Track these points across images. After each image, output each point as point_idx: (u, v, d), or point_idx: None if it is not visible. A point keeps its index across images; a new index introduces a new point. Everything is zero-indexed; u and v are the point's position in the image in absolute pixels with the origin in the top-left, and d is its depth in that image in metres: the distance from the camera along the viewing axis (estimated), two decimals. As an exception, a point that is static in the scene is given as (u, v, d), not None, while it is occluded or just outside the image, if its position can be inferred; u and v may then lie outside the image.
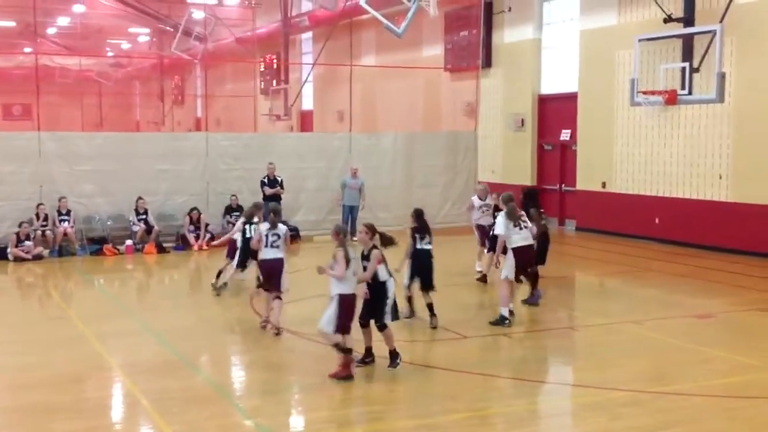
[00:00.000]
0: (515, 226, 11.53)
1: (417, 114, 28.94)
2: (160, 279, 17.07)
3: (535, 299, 12.73)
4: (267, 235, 11.03)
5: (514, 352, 10.72)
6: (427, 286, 11.46)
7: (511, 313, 11.48)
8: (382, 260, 9.36)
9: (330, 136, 23.30)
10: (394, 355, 9.45)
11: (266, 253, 11.07)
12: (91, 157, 18.83)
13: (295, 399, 8.87)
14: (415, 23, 19.56)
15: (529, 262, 11.75)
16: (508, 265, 11.53)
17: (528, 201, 13.23)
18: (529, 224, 11.80)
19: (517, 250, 11.50)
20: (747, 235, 17.48)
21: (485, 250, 14.68)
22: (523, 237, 11.58)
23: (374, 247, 9.37)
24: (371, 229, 9.43)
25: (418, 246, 11.41)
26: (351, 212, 20.16)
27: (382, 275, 9.39)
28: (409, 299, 11.72)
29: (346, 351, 9.02)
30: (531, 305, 12.66)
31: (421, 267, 11.43)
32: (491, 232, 12.99)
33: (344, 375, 8.97)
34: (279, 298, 11.01)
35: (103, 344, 10.70)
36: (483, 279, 14.73)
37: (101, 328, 11.62)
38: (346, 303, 9.02)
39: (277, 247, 11.06)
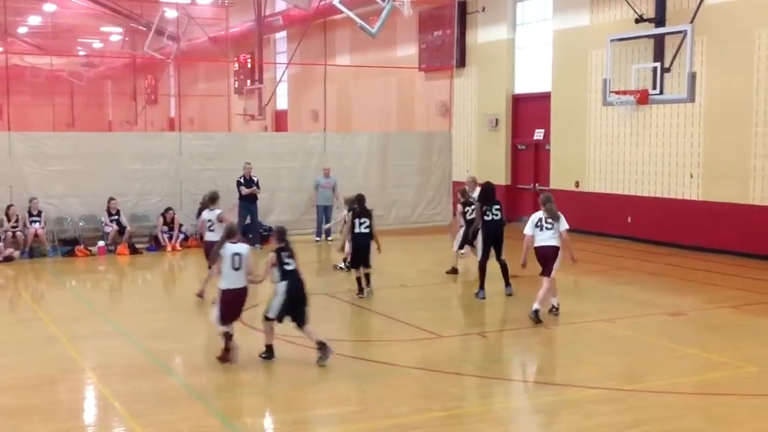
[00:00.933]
0: (540, 226, 11.77)
1: (391, 114, 28.96)
2: (132, 280, 16.93)
3: (477, 295, 13.13)
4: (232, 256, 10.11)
5: (488, 351, 10.75)
6: (365, 265, 13.36)
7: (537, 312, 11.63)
8: (276, 264, 9.65)
9: (304, 135, 23.25)
10: (270, 349, 9.80)
11: (209, 236, 12.71)
12: (62, 158, 18.64)
13: (269, 400, 8.82)
14: (390, 23, 19.56)
15: (548, 261, 11.82)
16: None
17: (482, 195, 13.36)
18: (562, 227, 11.87)
19: (537, 249, 11.76)
20: (718, 234, 17.67)
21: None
22: (546, 237, 11.76)
23: (275, 250, 9.74)
24: (276, 234, 9.92)
25: (357, 230, 13.24)
26: (325, 212, 20.13)
27: (274, 278, 9.74)
28: (359, 280, 13.35)
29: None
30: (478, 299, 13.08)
31: (360, 249, 13.28)
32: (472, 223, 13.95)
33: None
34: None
35: (74, 346, 10.60)
36: (454, 271, 15.31)
37: (73, 329, 11.50)
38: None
39: (213, 230, 12.66)
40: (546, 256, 11.78)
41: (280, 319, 9.73)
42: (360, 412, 8.12)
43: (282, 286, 9.66)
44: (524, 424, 8.23)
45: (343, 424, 7.95)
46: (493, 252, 13.27)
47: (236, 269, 9.62)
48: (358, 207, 13.47)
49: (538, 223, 11.83)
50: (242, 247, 9.77)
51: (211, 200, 13.21)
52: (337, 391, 8.83)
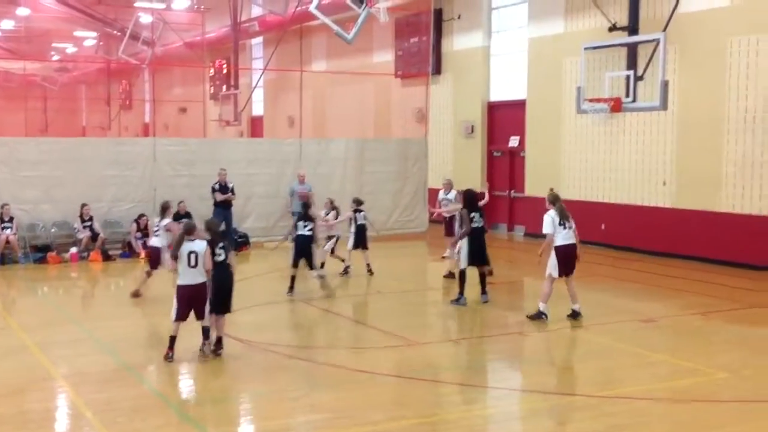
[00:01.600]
0: (560, 225, 11.86)
1: (368, 120, 28.99)
2: (105, 287, 16.79)
3: (458, 302, 13.07)
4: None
5: (462, 358, 10.77)
6: (311, 266, 13.89)
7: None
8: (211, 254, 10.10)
9: (280, 142, 23.19)
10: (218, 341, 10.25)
11: (153, 242, 13.84)
12: (34, 163, 18.44)
13: (243, 407, 8.80)
14: (366, 29, 19.60)
15: (571, 260, 11.99)
16: (551, 264, 11.88)
17: (467, 202, 13.39)
18: (573, 224, 12.10)
19: (558, 249, 11.79)
20: (690, 241, 17.85)
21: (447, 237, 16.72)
22: (565, 236, 11.88)
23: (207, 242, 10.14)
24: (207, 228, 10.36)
25: (300, 231, 13.77)
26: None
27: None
28: (293, 278, 13.89)
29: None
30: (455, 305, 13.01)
31: (303, 250, 13.79)
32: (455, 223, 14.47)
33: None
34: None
35: (46, 354, 10.48)
36: (450, 276, 15.24)
37: (44, 337, 11.38)
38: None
39: (158, 236, 13.63)
40: (570, 255, 11.94)
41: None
42: (335, 419, 8.10)
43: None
44: (499, 431, 8.25)
45: (319, 431, 7.94)
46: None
47: (192, 266, 9.89)
48: (303, 212, 14.22)
49: (561, 222, 11.90)
50: (199, 245, 9.96)
51: (162, 210, 13.93)
52: (312, 398, 8.80)
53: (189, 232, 10.04)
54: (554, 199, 12.10)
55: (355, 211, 16.19)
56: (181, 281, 10.00)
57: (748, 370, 9.83)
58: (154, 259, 13.84)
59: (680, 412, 8.39)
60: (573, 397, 8.81)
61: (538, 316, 11.96)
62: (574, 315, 12.09)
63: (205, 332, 10.13)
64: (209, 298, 10.05)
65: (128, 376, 9.61)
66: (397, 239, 21.67)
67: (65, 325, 12.42)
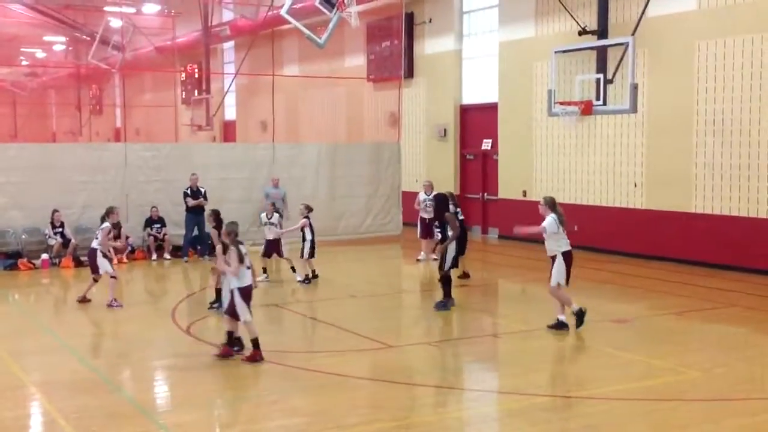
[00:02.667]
0: (562, 230, 11.71)
1: (340, 124, 28.99)
2: (77, 293, 16.52)
3: (447, 305, 12.95)
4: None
5: (437, 361, 10.79)
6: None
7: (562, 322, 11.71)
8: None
9: (253, 146, 23.13)
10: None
11: (93, 243, 13.92)
12: (4, 169, 18.23)
13: (217, 414, 8.75)
14: (337, 34, 19.61)
15: (570, 265, 11.86)
16: (559, 271, 11.69)
17: (441, 205, 13.37)
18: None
19: (566, 255, 11.69)
20: (662, 241, 18.04)
21: (424, 240, 17.66)
22: (568, 242, 11.79)
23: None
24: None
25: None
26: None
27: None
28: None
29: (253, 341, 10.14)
30: (441, 310, 12.89)
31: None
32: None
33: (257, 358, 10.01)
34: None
35: (17, 362, 10.35)
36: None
37: (16, 345, 11.25)
38: (244, 294, 10.12)
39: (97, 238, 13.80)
40: (571, 262, 11.87)
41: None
42: (310, 423, 8.08)
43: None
44: (474, 432, 8.28)
45: (294, 436, 7.92)
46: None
47: (248, 267, 10.25)
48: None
49: (563, 227, 11.75)
50: (244, 247, 10.32)
51: (106, 214, 14.07)
52: (287, 403, 8.78)
53: (237, 234, 10.31)
54: (553, 204, 11.92)
55: (307, 217, 15.88)
56: (242, 283, 10.12)
57: (720, 368, 9.94)
58: (92, 263, 13.86)
59: (653, 411, 8.46)
60: (546, 397, 8.86)
61: (561, 326, 11.65)
62: (581, 315, 11.82)
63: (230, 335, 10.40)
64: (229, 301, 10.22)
65: (102, 384, 9.53)
66: (371, 242, 21.69)
67: (37, 333, 12.28)
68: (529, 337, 11.66)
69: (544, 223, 11.63)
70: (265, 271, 15.70)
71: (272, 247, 15.77)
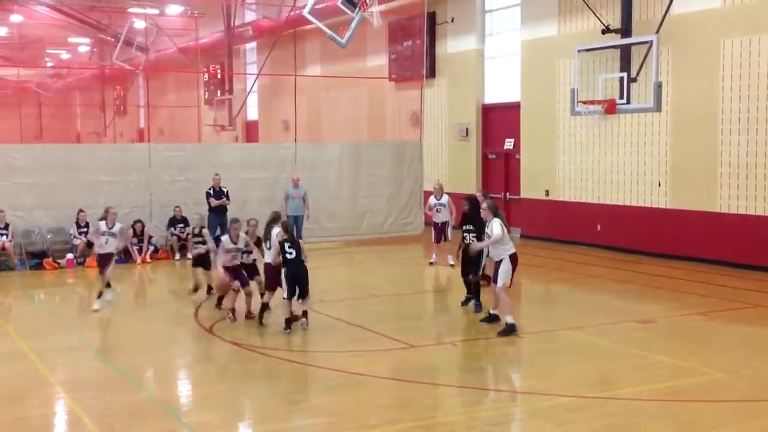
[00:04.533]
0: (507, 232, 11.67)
1: (362, 124, 29.01)
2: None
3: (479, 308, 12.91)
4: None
5: (460, 361, 10.76)
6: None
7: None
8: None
9: (275, 146, 23.20)
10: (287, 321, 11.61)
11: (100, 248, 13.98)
12: (30, 170, 18.44)
13: (241, 413, 8.77)
14: (359, 33, 19.58)
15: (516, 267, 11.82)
16: (506, 272, 11.60)
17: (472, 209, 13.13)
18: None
19: (512, 257, 11.62)
20: (686, 241, 17.89)
21: (437, 244, 17.44)
22: (512, 244, 11.75)
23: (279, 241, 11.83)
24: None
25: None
26: (296, 222, 20.08)
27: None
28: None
29: None
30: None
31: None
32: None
33: None
34: None
35: (43, 360, 10.46)
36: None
37: (41, 343, 11.35)
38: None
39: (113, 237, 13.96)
40: (517, 263, 11.85)
41: (289, 296, 11.60)
42: (333, 423, 8.09)
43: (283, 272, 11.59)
44: (497, 433, 8.25)
45: (316, 435, 7.93)
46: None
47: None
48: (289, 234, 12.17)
49: (508, 230, 11.72)
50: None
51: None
52: (311, 402, 8.80)
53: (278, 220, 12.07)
54: (496, 209, 11.75)
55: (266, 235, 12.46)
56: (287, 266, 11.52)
57: (746, 369, 9.85)
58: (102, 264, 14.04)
59: (678, 412, 8.40)
60: (570, 398, 8.81)
61: (512, 330, 11.52)
62: (492, 318, 11.87)
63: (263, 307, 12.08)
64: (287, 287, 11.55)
65: (125, 382, 9.60)
66: (393, 242, 21.68)
67: (61, 332, 12.40)
68: (553, 338, 11.61)
69: (496, 232, 11.44)
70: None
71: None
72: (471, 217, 12.84)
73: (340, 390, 9.16)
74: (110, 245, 13.94)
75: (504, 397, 9.30)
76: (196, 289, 14.34)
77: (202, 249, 14.21)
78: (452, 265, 16.18)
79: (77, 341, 11.70)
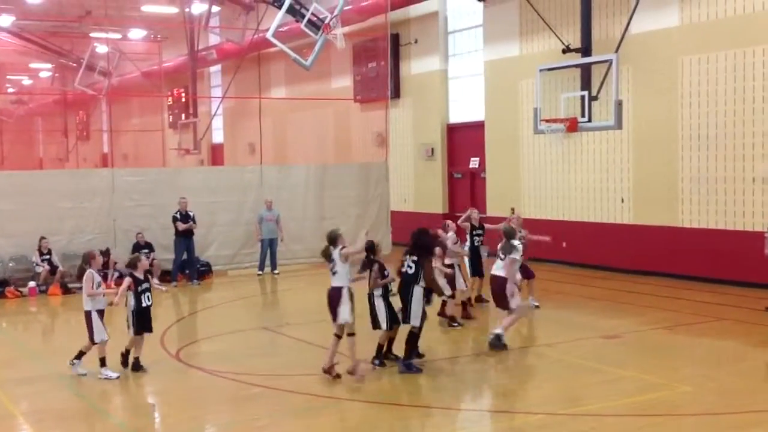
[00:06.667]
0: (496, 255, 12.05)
1: (328, 145, 29.04)
2: (66, 321, 16.47)
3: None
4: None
5: (429, 381, 10.73)
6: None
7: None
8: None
9: (240, 169, 23.12)
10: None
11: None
12: (-10, 197, 18.18)
13: (210, 439, 8.68)
14: (324, 56, 19.67)
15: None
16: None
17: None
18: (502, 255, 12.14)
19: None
20: (650, 256, 18.09)
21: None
22: (497, 266, 12.04)
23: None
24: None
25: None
26: (270, 245, 20.06)
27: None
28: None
29: None
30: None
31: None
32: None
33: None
34: None
35: (5, 391, 10.25)
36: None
37: (4, 374, 11.15)
38: None
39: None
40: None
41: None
42: (302, 447, 8.03)
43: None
44: (467, 452, 8.24)
45: (286, 460, 7.86)
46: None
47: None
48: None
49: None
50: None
51: (85, 261, 11.23)
52: (279, 427, 8.72)
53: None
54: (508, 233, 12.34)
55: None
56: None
57: (712, 383, 9.96)
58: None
59: (645, 426, 8.45)
60: (539, 415, 8.83)
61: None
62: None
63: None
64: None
65: (92, 413, 9.45)
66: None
67: (25, 361, 12.19)
68: (522, 355, 11.65)
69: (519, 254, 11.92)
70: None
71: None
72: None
73: (309, 414, 9.10)
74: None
75: (473, 417, 9.30)
76: None
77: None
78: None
79: (41, 371, 11.50)
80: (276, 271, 20.10)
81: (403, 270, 10.85)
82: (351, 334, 10.31)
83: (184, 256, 18.91)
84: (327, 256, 10.49)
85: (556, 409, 9.04)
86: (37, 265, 18.02)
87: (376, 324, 10.64)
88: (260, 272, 20.06)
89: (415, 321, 10.57)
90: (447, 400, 9.86)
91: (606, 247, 19.08)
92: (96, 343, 10.73)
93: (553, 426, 8.51)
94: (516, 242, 12.02)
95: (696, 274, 17.04)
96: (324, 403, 9.39)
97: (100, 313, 10.87)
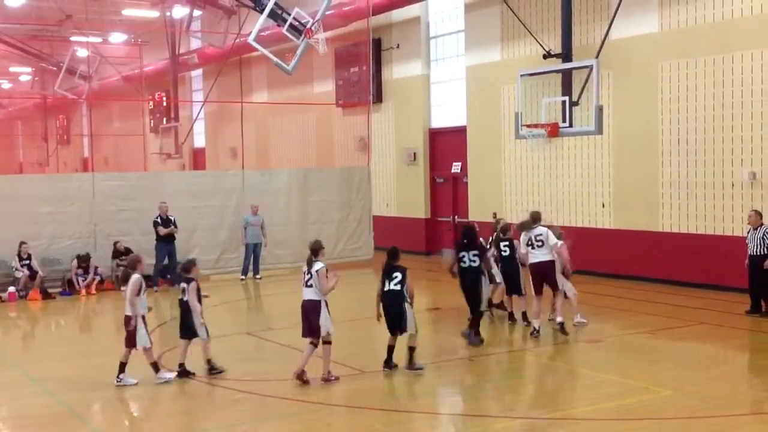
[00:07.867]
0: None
1: (310, 150, 29.01)
2: (45, 326, 16.37)
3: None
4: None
5: (411, 386, 10.73)
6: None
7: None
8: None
9: (223, 174, 23.05)
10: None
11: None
12: (-31, 202, 18.03)
13: (191, 445, 8.64)
14: (306, 60, 19.67)
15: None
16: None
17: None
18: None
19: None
20: (631, 260, 18.19)
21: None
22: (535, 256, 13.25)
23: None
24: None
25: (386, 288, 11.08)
26: (254, 250, 20.03)
27: None
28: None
29: None
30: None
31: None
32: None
33: None
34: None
35: (-16, 398, 10.17)
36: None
37: (-18, 381, 11.04)
38: None
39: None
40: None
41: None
42: (285, 453, 8.01)
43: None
44: (450, 457, 8.25)
45: (268, 466, 7.83)
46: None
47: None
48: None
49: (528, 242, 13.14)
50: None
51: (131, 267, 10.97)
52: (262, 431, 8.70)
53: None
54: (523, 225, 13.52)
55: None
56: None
57: (692, 386, 10.02)
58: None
59: (627, 430, 8.49)
60: (521, 419, 8.85)
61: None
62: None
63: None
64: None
65: (71, 419, 9.38)
66: (344, 267, 21.54)
67: (4, 366, 12.07)
68: (503, 359, 11.68)
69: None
70: None
71: None
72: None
73: (292, 418, 9.07)
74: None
75: (457, 421, 9.31)
76: None
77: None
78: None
79: (20, 376, 11.39)
80: (258, 276, 20.05)
81: (466, 265, 12.19)
82: (327, 342, 10.43)
83: (165, 261, 18.81)
84: (309, 265, 10.63)
85: (539, 414, 9.07)
86: (16, 270, 17.88)
87: (403, 328, 10.81)
88: (243, 277, 20.00)
89: (483, 306, 12.35)
90: (429, 405, 9.87)
91: (587, 252, 19.12)
92: (136, 349, 10.55)
93: (535, 430, 8.53)
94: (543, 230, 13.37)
95: (677, 279, 17.15)
96: (306, 408, 9.36)
97: (142, 318, 10.62)
